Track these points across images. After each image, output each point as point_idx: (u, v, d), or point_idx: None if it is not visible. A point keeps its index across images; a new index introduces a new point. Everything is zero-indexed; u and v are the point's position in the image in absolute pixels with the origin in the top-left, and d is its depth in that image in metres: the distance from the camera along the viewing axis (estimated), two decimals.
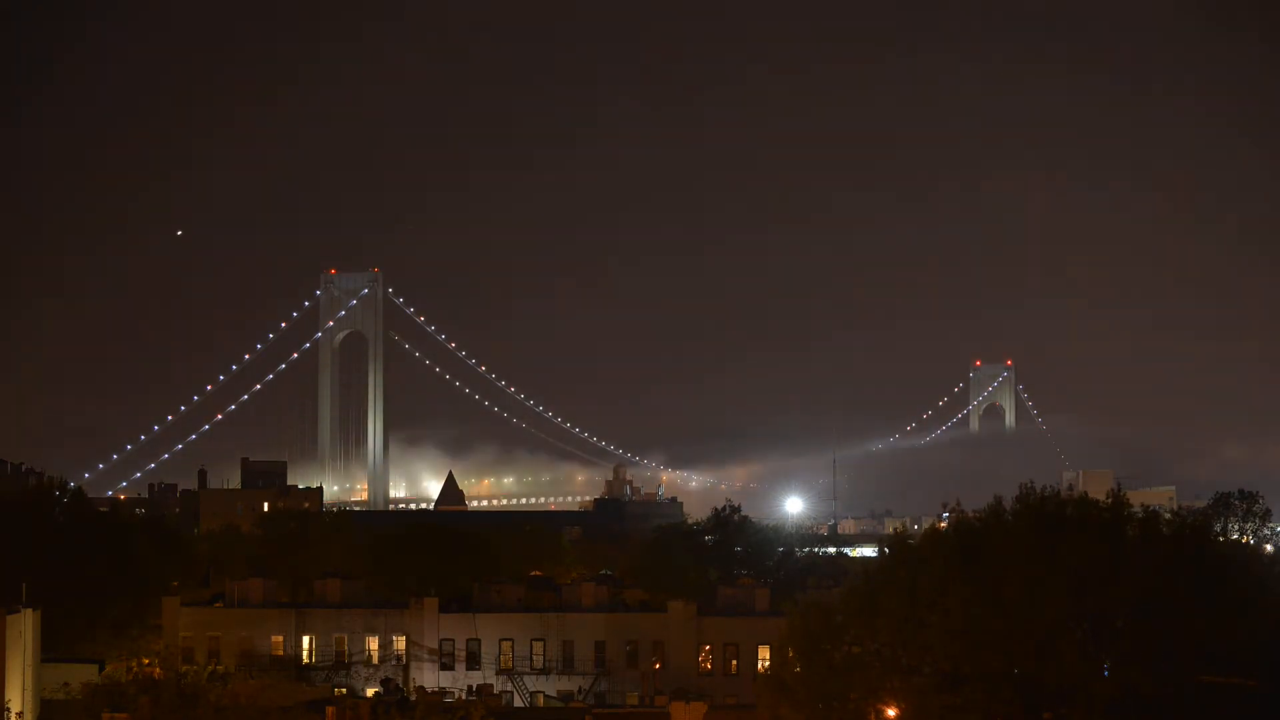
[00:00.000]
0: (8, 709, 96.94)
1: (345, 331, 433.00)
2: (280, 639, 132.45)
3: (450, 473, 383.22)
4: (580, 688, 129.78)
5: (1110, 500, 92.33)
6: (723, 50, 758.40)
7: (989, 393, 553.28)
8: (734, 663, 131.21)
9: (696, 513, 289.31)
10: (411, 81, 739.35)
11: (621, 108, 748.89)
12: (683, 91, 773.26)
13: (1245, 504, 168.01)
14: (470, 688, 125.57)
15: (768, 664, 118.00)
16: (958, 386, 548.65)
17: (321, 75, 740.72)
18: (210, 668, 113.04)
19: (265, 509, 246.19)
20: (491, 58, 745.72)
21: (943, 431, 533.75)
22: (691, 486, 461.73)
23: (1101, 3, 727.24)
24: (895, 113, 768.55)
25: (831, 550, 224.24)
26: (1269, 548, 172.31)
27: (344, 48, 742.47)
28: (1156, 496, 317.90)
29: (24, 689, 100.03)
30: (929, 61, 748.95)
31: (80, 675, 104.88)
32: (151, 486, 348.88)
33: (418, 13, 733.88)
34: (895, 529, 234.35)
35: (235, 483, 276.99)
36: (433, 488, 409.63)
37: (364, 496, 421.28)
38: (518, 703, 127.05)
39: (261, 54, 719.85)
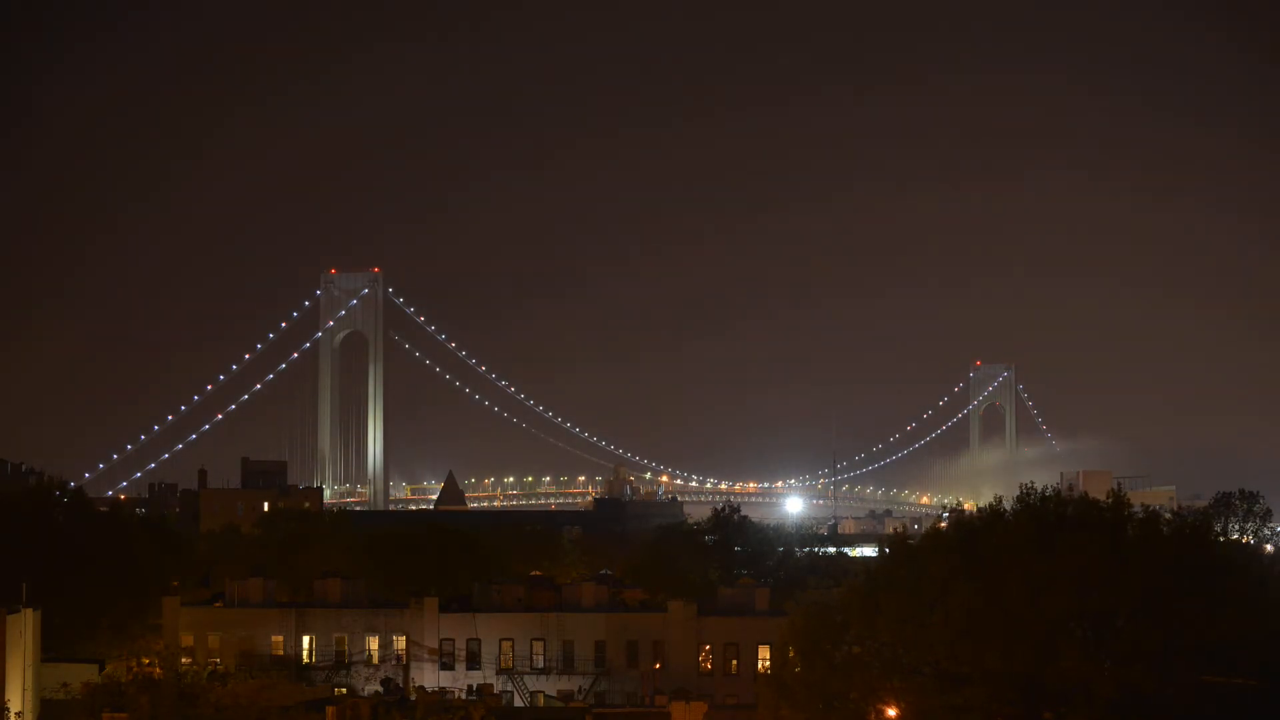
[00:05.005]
0: (8, 709, 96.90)
1: (345, 331, 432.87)
2: (280, 639, 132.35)
3: (450, 473, 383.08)
4: (580, 688, 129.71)
5: (1110, 500, 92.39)
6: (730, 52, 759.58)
7: (989, 393, 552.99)
8: (734, 663, 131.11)
9: (696, 512, 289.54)
10: (411, 84, 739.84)
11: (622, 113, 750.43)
12: (687, 96, 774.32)
13: (1245, 504, 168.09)
14: (470, 688, 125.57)
15: (768, 664, 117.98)
16: (958, 386, 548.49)
17: (322, 77, 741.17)
18: (210, 668, 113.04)
19: (265, 509, 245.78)
20: (489, 64, 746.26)
21: (942, 431, 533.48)
22: (691, 487, 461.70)
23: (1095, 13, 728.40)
24: (896, 115, 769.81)
25: (831, 550, 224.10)
26: (1269, 548, 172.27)
27: (344, 51, 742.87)
28: (1156, 496, 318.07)
29: (24, 689, 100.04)
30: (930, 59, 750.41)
31: (80, 675, 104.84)
32: (151, 486, 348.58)
33: (420, 18, 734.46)
34: (895, 529, 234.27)
35: (235, 483, 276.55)
36: (433, 488, 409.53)
37: (364, 496, 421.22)
38: (518, 703, 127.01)
39: (263, 55, 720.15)
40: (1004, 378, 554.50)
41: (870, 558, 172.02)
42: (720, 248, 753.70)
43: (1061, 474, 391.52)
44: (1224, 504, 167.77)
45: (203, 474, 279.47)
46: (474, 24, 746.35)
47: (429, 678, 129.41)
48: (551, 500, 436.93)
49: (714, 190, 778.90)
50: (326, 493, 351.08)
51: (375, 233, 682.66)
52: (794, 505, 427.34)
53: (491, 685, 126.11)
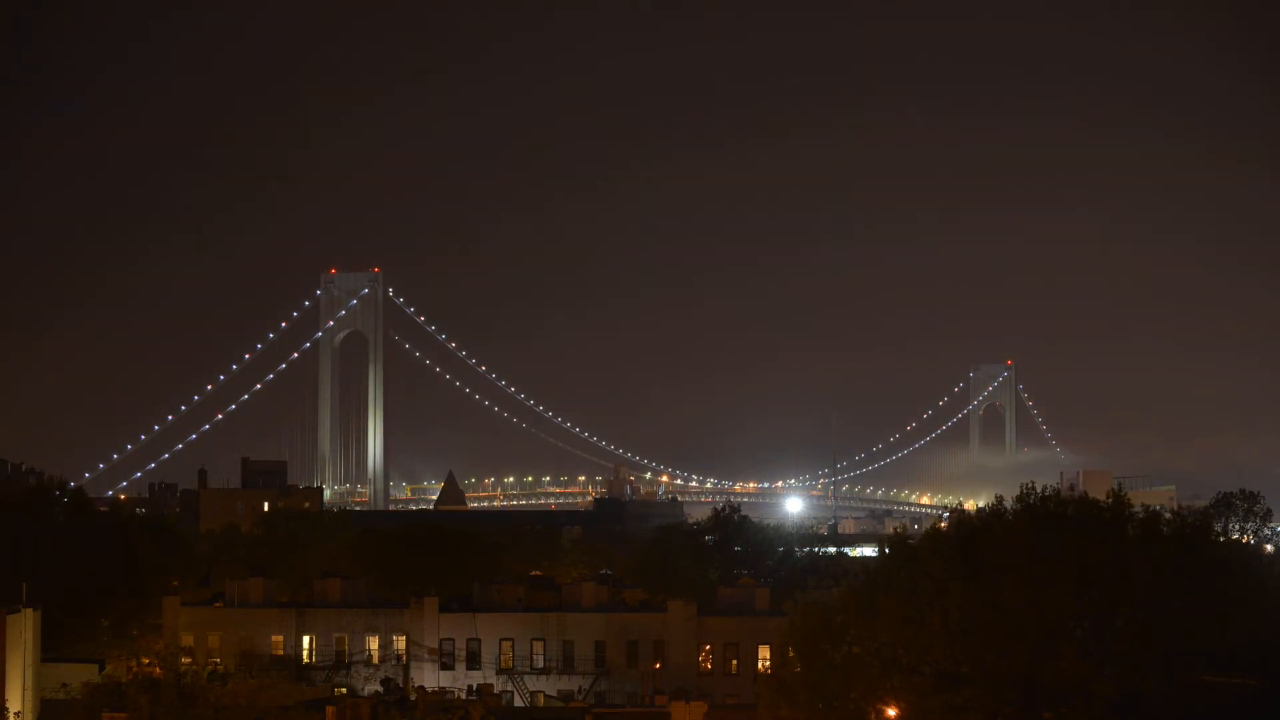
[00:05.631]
0: (8, 709, 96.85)
1: (345, 331, 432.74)
2: (280, 639, 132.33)
3: (450, 473, 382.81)
4: (580, 687, 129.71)
5: (1111, 500, 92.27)
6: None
7: (989, 393, 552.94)
8: (734, 663, 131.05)
9: (696, 512, 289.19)
10: (410, 82, 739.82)
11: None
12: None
13: (1246, 504, 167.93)
14: (470, 687, 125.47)
15: (768, 664, 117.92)
16: (958, 386, 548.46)
17: (323, 77, 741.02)
18: (210, 668, 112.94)
19: (265, 509, 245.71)
20: (493, 70, 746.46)
21: (942, 431, 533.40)
22: (691, 487, 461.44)
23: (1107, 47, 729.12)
24: (894, 115, 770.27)
25: (831, 550, 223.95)
26: (1269, 548, 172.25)
27: (345, 52, 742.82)
28: (1156, 496, 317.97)
29: (24, 689, 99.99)
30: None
31: (80, 675, 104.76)
32: (151, 486, 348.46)
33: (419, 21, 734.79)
34: (895, 529, 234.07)
35: (235, 483, 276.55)
36: (433, 488, 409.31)
37: (364, 497, 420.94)
38: (518, 702, 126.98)
39: (263, 57, 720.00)
40: (1004, 378, 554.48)
41: (870, 558, 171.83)
42: (721, 246, 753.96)
43: (1062, 474, 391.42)
44: (1224, 504, 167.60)
45: (203, 474, 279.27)
46: (478, 25, 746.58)
47: (429, 678, 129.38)
48: (551, 500, 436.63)
49: (713, 189, 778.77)
50: (326, 493, 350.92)
51: (375, 233, 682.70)
52: (794, 505, 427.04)
53: (491, 685, 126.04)
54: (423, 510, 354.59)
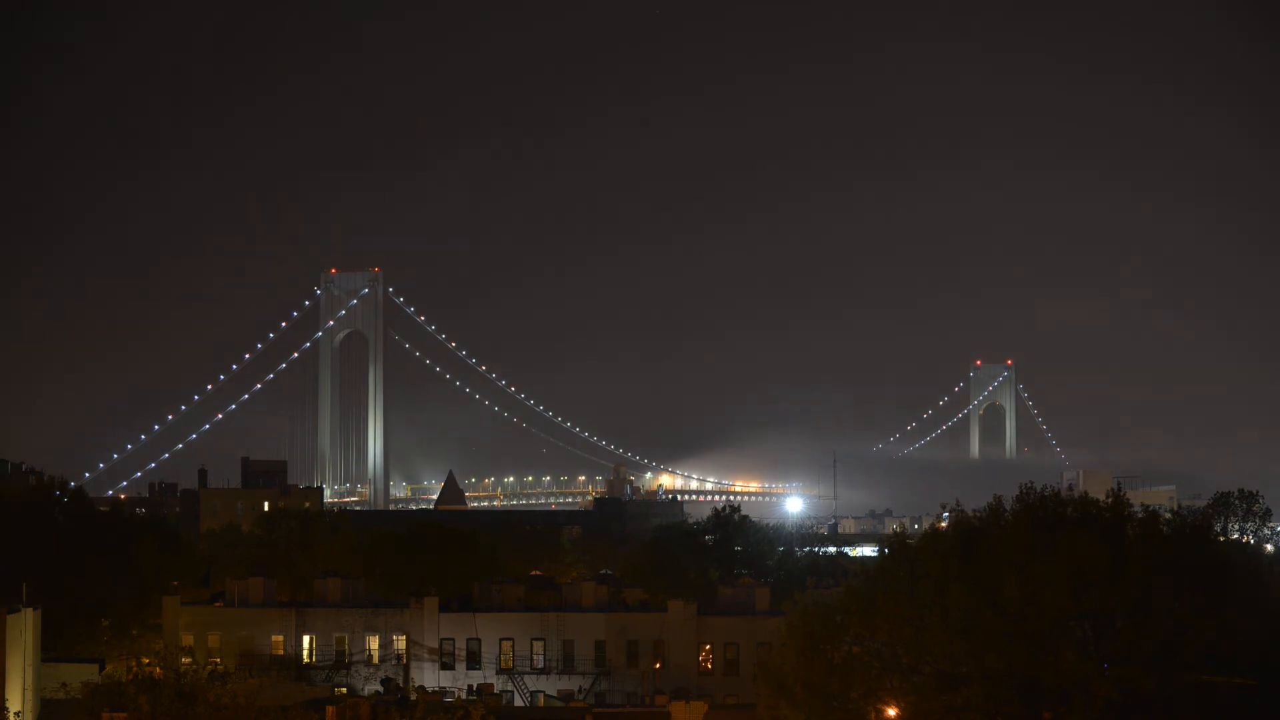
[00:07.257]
0: (7, 709, 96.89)
1: (345, 331, 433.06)
2: (280, 639, 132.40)
3: (450, 472, 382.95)
4: (580, 687, 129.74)
5: (1110, 500, 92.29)
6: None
7: (989, 393, 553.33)
8: (734, 663, 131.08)
9: (696, 512, 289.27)
10: (408, 80, 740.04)
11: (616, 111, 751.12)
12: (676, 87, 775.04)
13: (1245, 504, 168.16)
14: (470, 687, 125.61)
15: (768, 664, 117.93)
16: (958, 386, 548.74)
17: (323, 75, 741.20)
18: (210, 667, 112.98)
19: (265, 509, 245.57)
20: (486, 60, 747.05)
21: (943, 431, 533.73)
22: (691, 487, 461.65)
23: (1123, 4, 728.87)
24: (897, 105, 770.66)
25: (831, 550, 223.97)
26: (1269, 547, 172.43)
27: (344, 48, 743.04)
28: (1156, 496, 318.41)
29: (24, 689, 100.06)
30: (930, 50, 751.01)
31: (80, 675, 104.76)
32: (151, 486, 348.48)
33: (416, 14, 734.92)
34: (895, 529, 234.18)
35: (235, 483, 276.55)
36: (433, 487, 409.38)
37: (364, 496, 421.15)
38: (518, 702, 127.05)
39: (262, 53, 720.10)
40: (1004, 377, 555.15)
41: (870, 558, 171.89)
42: (721, 246, 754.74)
43: (1062, 473, 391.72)
44: (1224, 504, 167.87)
45: (203, 474, 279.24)
46: (468, 20, 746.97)
47: (429, 678, 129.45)
48: (551, 500, 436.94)
49: (713, 187, 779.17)
50: (326, 492, 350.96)
51: (375, 232, 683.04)
52: (794, 505, 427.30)
53: (491, 685, 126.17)
54: (423, 510, 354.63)
